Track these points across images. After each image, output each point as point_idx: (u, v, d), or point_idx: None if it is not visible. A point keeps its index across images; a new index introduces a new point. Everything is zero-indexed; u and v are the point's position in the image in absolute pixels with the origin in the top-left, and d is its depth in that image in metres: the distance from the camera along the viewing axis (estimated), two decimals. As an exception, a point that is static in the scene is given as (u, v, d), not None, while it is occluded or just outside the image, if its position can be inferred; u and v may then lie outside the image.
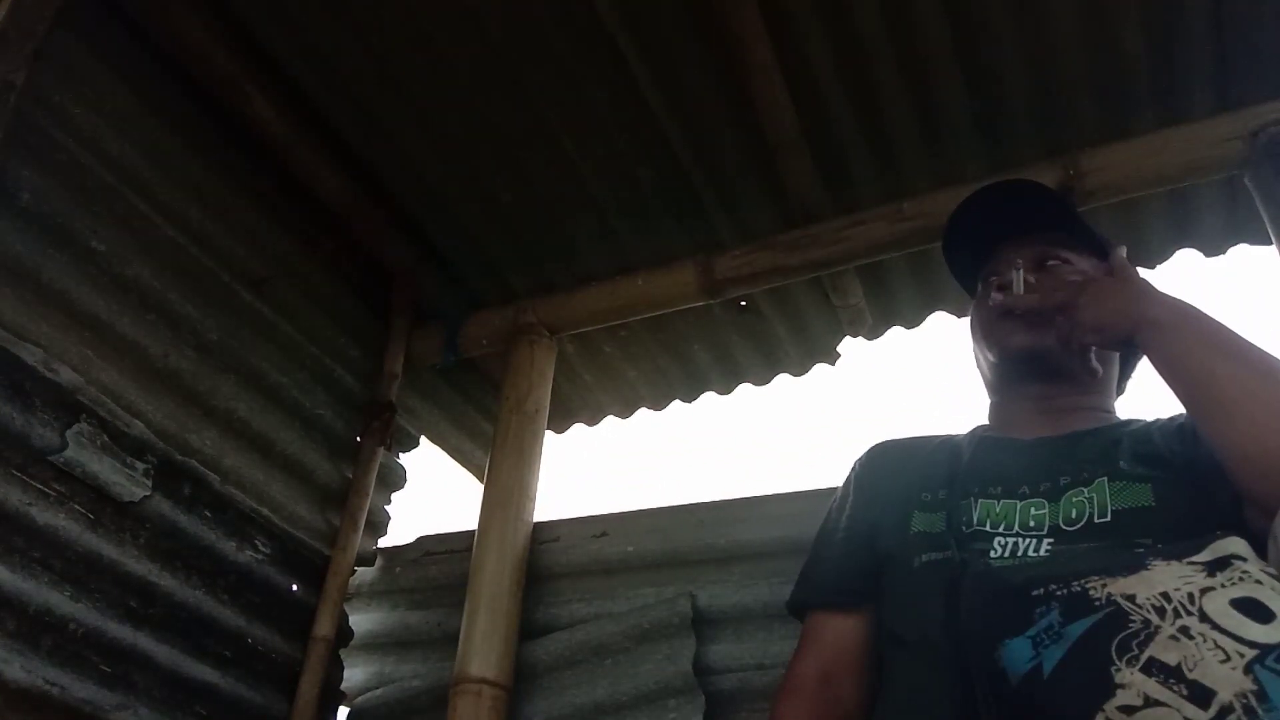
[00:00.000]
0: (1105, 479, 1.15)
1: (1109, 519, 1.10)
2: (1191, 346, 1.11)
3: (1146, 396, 1.50)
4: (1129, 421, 1.30)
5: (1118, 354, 1.39)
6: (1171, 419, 1.24)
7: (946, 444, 1.37)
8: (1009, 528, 1.15)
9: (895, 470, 1.36)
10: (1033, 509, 1.16)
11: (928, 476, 1.30)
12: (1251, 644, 0.81)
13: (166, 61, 1.76)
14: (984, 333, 1.39)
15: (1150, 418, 1.28)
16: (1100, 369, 1.34)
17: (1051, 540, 1.11)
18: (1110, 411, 1.36)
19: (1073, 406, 1.33)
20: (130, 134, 1.68)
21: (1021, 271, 1.33)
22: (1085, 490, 1.15)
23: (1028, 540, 1.12)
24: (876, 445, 1.45)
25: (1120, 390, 1.43)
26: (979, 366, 1.47)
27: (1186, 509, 1.09)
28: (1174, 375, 1.13)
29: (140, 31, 1.71)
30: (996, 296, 1.34)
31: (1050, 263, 1.37)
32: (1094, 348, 1.27)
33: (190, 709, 1.67)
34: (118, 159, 1.66)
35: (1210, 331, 1.12)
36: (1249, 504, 1.03)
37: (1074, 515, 1.13)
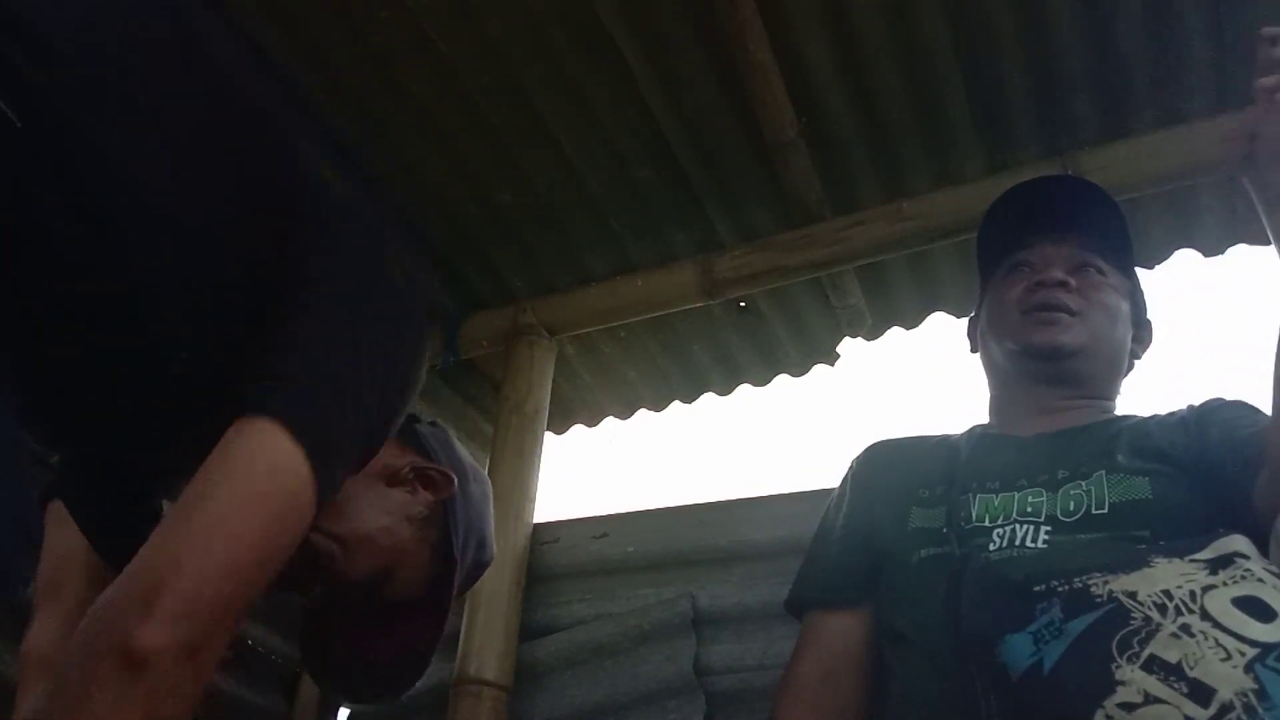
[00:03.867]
0: (1103, 472, 1.15)
1: (1106, 511, 1.11)
2: None
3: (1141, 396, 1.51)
4: (1126, 417, 1.30)
5: (1132, 357, 1.40)
6: (1171, 414, 1.25)
7: (944, 443, 1.37)
8: (1006, 518, 1.15)
9: (892, 468, 1.37)
10: (1030, 498, 1.16)
11: (925, 473, 1.30)
12: (1253, 642, 0.81)
13: (166, 62, 1.76)
14: (1007, 322, 1.37)
15: (1147, 413, 1.29)
16: (1122, 375, 1.36)
17: (1049, 529, 1.11)
18: (1109, 408, 1.37)
19: (1074, 405, 1.33)
20: (130, 134, 1.68)
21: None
22: (1083, 483, 1.15)
23: (1025, 527, 1.12)
24: (873, 445, 1.46)
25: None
26: (985, 354, 1.45)
27: (1185, 502, 1.09)
28: None
29: (140, 32, 1.71)
30: (1037, 285, 1.33)
31: (1090, 270, 1.36)
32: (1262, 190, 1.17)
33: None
34: (117, 159, 1.66)
35: None
36: None
37: (1071, 507, 1.13)
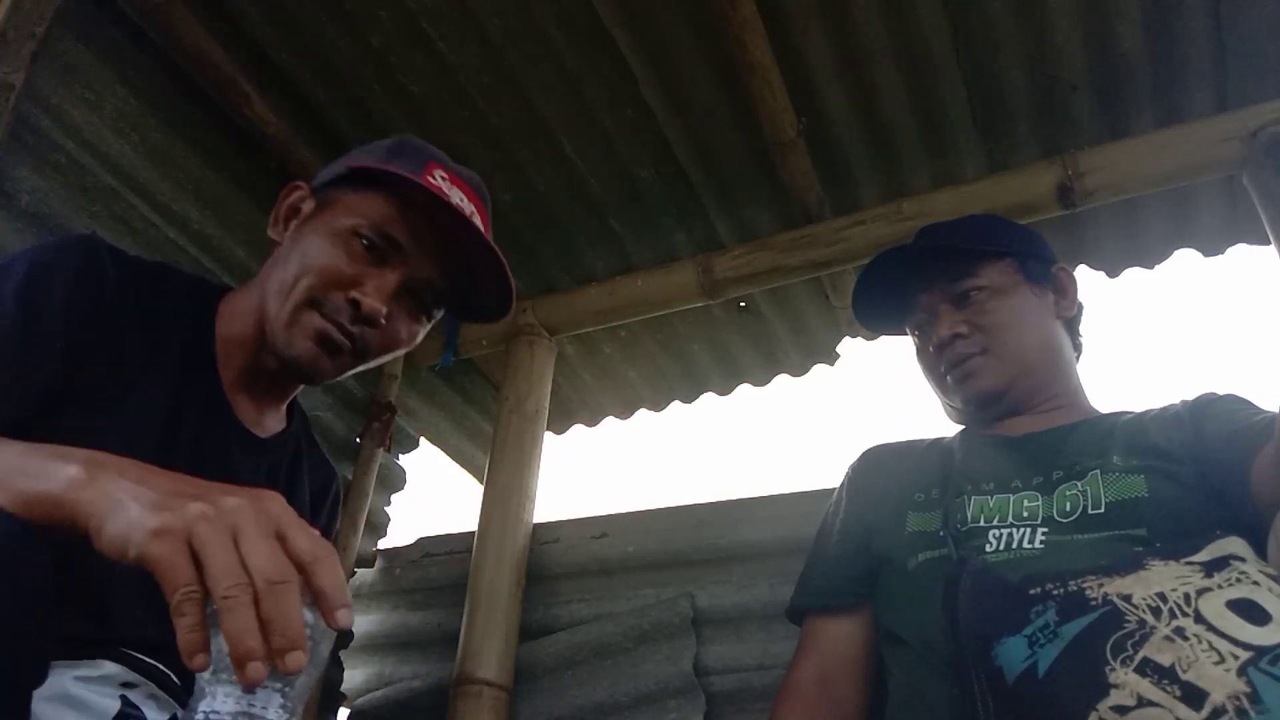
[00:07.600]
0: (1098, 471, 1.15)
1: (1103, 510, 1.11)
2: None
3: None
4: (1119, 414, 1.30)
5: (1077, 352, 1.42)
6: (1165, 409, 1.25)
7: (936, 445, 1.38)
8: (1003, 520, 1.15)
9: (888, 473, 1.37)
10: (1026, 501, 1.17)
11: (920, 477, 1.30)
12: (1246, 646, 0.81)
13: (165, 62, 1.76)
14: (938, 385, 1.41)
15: (1141, 409, 1.29)
16: (1065, 359, 1.36)
17: (1046, 530, 1.11)
18: (1089, 405, 1.37)
19: (1053, 406, 1.34)
20: (129, 134, 1.68)
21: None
22: (1079, 483, 1.15)
23: (1022, 530, 1.13)
24: (868, 450, 1.46)
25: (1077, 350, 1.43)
26: (943, 407, 1.47)
27: (1182, 499, 1.09)
28: None
29: (139, 32, 1.71)
30: (937, 349, 1.37)
31: (971, 294, 1.36)
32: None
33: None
34: (117, 159, 1.66)
35: None
36: None
37: (1068, 508, 1.13)
